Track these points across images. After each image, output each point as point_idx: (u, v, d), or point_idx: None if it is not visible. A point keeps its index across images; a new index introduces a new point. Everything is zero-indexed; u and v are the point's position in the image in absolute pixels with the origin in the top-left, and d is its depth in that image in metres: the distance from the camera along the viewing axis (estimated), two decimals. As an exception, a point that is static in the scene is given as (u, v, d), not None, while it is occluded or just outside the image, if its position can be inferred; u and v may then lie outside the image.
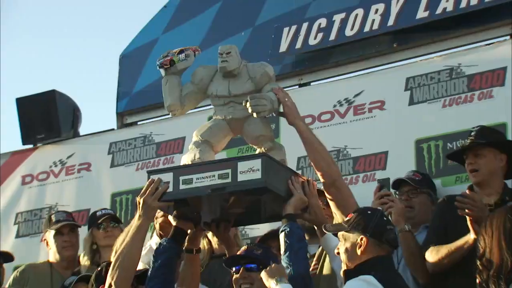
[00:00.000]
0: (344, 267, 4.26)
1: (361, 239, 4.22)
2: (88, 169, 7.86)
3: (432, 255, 5.12)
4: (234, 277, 4.58)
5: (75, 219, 6.91)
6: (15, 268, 6.65)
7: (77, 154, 7.96)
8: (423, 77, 6.54)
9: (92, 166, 7.86)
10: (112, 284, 4.50)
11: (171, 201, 4.56)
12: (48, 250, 6.52)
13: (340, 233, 4.31)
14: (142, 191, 4.57)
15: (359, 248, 4.21)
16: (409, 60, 6.81)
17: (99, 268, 5.18)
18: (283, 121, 6.97)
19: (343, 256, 4.27)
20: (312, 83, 7.21)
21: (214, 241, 5.71)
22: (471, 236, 4.90)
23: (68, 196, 7.85)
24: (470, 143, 5.31)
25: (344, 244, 4.27)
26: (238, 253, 4.70)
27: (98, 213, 6.42)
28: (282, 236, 4.42)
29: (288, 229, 4.42)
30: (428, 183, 5.90)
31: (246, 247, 4.70)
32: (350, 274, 4.21)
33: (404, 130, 6.51)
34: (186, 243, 4.75)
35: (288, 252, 4.35)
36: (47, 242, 6.54)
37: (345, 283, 4.20)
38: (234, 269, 4.60)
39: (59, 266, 6.44)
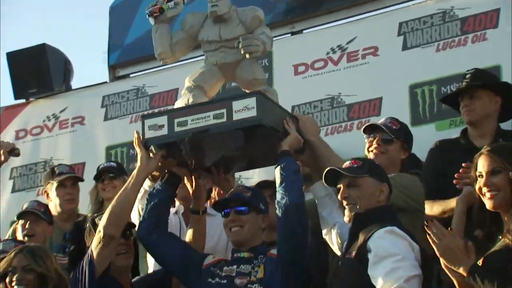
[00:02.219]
0: (352, 212, 4.27)
1: (383, 186, 4.30)
2: (82, 122, 7.81)
3: (426, 209, 5.08)
4: (223, 220, 4.56)
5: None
6: (12, 222, 6.57)
7: (70, 108, 7.89)
8: (416, 22, 6.48)
9: (85, 119, 7.81)
10: (101, 230, 4.46)
11: (166, 144, 4.51)
12: (48, 202, 6.38)
13: (346, 180, 4.29)
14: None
15: (380, 195, 4.27)
16: (401, 4, 6.71)
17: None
18: (276, 70, 6.98)
19: (351, 201, 4.28)
20: (304, 31, 7.13)
21: (214, 195, 5.65)
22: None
23: (63, 150, 7.79)
24: (466, 85, 5.25)
25: (354, 190, 4.28)
26: (227, 196, 4.65)
27: (100, 167, 6.29)
28: (277, 170, 4.41)
29: (284, 163, 4.41)
30: (404, 133, 5.76)
31: (234, 189, 4.66)
32: (360, 219, 4.24)
33: (398, 76, 6.46)
34: (192, 204, 4.75)
35: (284, 184, 4.35)
36: (47, 195, 6.43)
37: (352, 225, 4.24)
38: (224, 212, 4.55)
39: (59, 219, 6.31)
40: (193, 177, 4.73)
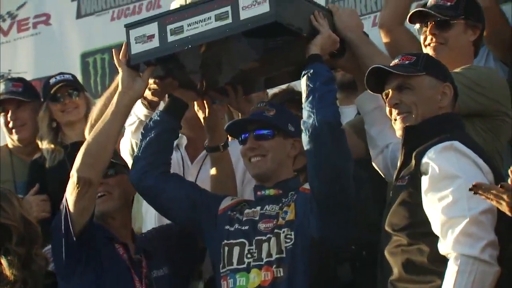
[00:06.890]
0: (405, 124, 3.78)
1: (446, 86, 3.80)
2: (47, 22, 7.15)
3: None
4: (241, 148, 4.12)
5: (35, 89, 5.96)
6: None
7: (31, 3, 7.22)
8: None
9: (52, 18, 7.15)
10: (74, 173, 4.01)
11: (161, 60, 4.09)
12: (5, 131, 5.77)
13: (396, 82, 3.78)
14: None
15: (442, 99, 3.78)
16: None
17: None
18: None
19: (403, 109, 3.77)
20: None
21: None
22: None
23: (24, 60, 7.17)
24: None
25: (407, 94, 3.77)
26: (245, 116, 4.30)
27: (51, 80, 5.51)
28: (303, 81, 3.99)
29: (312, 71, 3.95)
30: (464, 6, 4.71)
31: (254, 107, 4.21)
32: (414, 132, 3.76)
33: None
34: (207, 140, 4.33)
35: (310, 97, 3.91)
36: None
37: (404, 142, 3.77)
38: (240, 138, 4.13)
39: (18, 151, 5.60)
40: (204, 101, 4.31)
